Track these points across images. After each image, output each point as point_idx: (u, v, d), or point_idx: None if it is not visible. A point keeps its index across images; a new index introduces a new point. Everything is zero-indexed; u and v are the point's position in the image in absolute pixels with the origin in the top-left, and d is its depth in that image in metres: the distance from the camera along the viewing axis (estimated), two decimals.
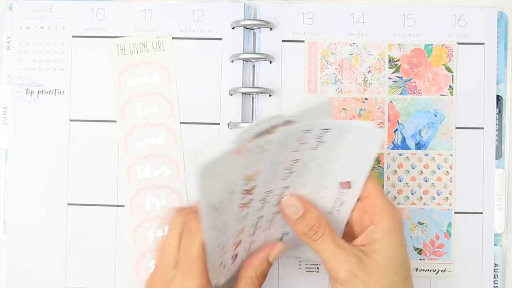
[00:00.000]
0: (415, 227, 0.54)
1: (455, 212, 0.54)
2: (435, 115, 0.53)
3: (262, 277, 0.48)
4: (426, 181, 0.54)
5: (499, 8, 0.54)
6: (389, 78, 0.54)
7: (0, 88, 0.55)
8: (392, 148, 0.54)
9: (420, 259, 0.54)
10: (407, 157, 0.54)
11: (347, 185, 0.45)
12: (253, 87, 0.53)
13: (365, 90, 0.54)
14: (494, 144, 0.54)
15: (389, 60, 0.54)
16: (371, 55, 0.54)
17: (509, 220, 0.54)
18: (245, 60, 0.53)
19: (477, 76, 0.54)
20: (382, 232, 0.44)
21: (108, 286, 0.54)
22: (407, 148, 0.54)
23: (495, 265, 0.54)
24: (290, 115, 0.41)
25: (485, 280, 0.53)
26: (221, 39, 0.54)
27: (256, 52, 0.54)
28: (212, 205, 0.40)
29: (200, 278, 0.43)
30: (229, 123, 0.53)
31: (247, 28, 0.54)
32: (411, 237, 0.54)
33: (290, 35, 0.54)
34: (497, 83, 0.54)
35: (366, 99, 0.54)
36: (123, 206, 0.54)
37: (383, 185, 0.53)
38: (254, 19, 0.54)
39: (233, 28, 0.54)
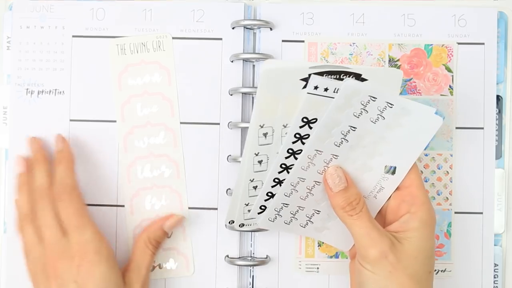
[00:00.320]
0: None
1: (455, 212, 0.54)
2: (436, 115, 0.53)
3: (156, 243, 0.51)
4: (426, 181, 0.54)
5: (499, 8, 0.54)
6: None
7: (0, 88, 0.55)
8: None
9: None
10: None
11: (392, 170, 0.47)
12: (253, 87, 0.53)
13: None
14: (494, 144, 0.54)
15: (389, 60, 0.54)
16: (371, 55, 0.54)
17: (509, 220, 0.54)
18: (245, 60, 0.53)
19: (477, 76, 0.54)
20: (417, 222, 0.45)
21: None
22: None
23: (495, 265, 0.54)
24: (361, 70, 0.43)
25: (485, 280, 0.53)
26: (221, 39, 0.54)
27: (256, 52, 0.54)
28: (262, 124, 0.42)
29: (92, 226, 0.48)
30: (229, 123, 0.53)
31: (247, 28, 0.54)
32: None
33: (290, 35, 0.54)
34: (497, 83, 0.54)
35: None
36: (123, 206, 0.54)
37: None
38: (254, 19, 0.54)
39: (233, 28, 0.54)
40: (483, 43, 0.54)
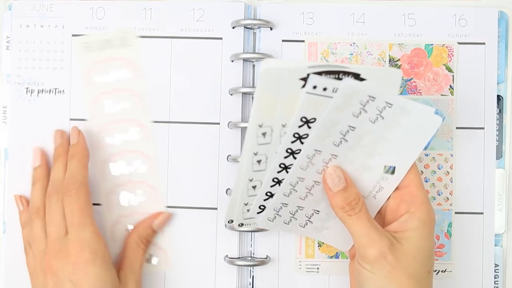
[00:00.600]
0: None
1: (456, 213, 0.53)
2: (436, 115, 0.53)
3: (147, 241, 0.52)
4: (426, 181, 0.53)
5: (499, 8, 0.54)
6: None
7: (0, 88, 0.55)
8: None
9: None
10: None
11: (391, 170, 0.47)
12: (253, 87, 0.53)
13: None
14: (494, 144, 0.53)
15: (390, 60, 0.54)
16: (372, 55, 0.54)
17: (509, 220, 0.54)
18: (245, 60, 0.53)
19: (478, 76, 0.53)
20: (417, 221, 0.45)
21: None
22: None
23: (496, 265, 0.53)
24: (360, 70, 0.43)
25: (485, 281, 0.53)
26: (221, 38, 0.54)
27: (256, 52, 0.54)
28: (261, 124, 0.42)
29: (92, 225, 0.48)
30: (229, 123, 0.53)
31: (247, 28, 0.54)
32: None
33: (290, 35, 0.54)
34: (497, 83, 0.54)
35: None
36: (100, 204, 0.54)
37: None
38: (254, 19, 0.54)
39: (233, 28, 0.54)
40: (483, 43, 0.53)
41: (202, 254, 0.53)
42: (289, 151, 0.45)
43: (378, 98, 0.43)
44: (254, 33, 0.54)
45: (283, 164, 0.46)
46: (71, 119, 0.54)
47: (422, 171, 0.53)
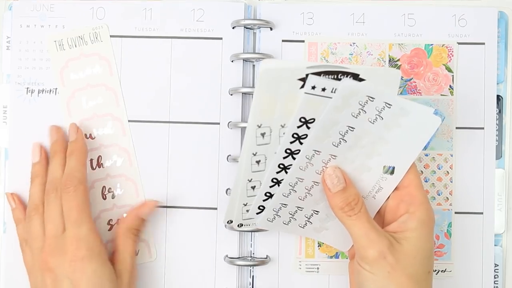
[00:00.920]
0: None
1: (456, 212, 0.54)
2: (436, 115, 0.53)
3: (136, 231, 0.52)
4: (426, 181, 0.54)
5: (499, 8, 0.54)
6: None
7: (0, 87, 0.55)
8: None
9: None
10: None
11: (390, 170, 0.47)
12: (253, 87, 0.53)
13: None
14: (494, 144, 0.54)
15: (390, 60, 0.54)
16: (371, 55, 0.54)
17: (509, 220, 0.54)
18: (245, 60, 0.53)
19: (478, 76, 0.53)
20: (416, 222, 0.45)
21: None
22: None
23: (496, 265, 0.53)
24: (359, 70, 0.43)
25: (485, 281, 0.53)
26: (221, 38, 0.54)
27: (256, 52, 0.54)
28: (260, 124, 0.42)
29: (89, 222, 0.48)
30: (229, 123, 0.53)
31: (247, 28, 0.54)
32: None
33: (290, 35, 0.54)
34: (497, 83, 0.54)
35: None
36: None
37: None
38: (254, 19, 0.54)
39: (233, 28, 0.54)
40: (483, 43, 0.54)
41: (202, 254, 0.53)
42: (288, 151, 0.45)
43: (377, 99, 0.43)
44: (254, 33, 0.54)
45: (282, 164, 0.46)
46: None
47: (422, 171, 0.53)
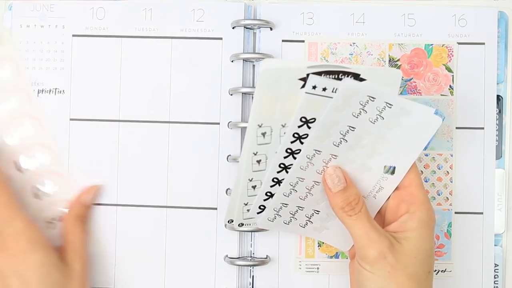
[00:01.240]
0: None
1: (456, 212, 0.54)
2: (436, 115, 0.53)
3: (84, 218, 0.52)
4: (426, 181, 0.54)
5: (499, 8, 0.54)
6: None
7: None
8: None
9: None
10: None
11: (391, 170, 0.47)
12: (253, 87, 0.53)
13: None
14: (494, 144, 0.54)
15: (390, 60, 0.54)
16: (371, 55, 0.54)
17: (509, 220, 0.54)
18: (245, 60, 0.53)
19: (477, 76, 0.53)
20: (416, 222, 0.45)
21: None
22: None
23: (496, 265, 0.53)
24: (360, 70, 0.43)
25: (485, 281, 0.53)
26: (221, 38, 0.54)
27: (256, 52, 0.54)
28: (261, 124, 0.42)
29: (22, 217, 0.48)
30: (229, 123, 0.53)
31: (247, 28, 0.54)
32: None
33: (290, 35, 0.54)
34: (497, 83, 0.54)
35: None
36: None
37: None
38: (254, 19, 0.54)
39: (233, 28, 0.54)
40: (483, 43, 0.54)
41: (202, 254, 0.53)
42: (289, 151, 0.45)
43: (378, 98, 0.43)
44: (254, 33, 0.54)
45: (283, 164, 0.46)
46: (71, 119, 0.54)
47: (422, 171, 0.53)
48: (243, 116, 0.54)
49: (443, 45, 0.54)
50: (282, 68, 0.42)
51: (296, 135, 0.44)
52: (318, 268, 0.54)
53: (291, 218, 0.49)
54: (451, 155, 0.54)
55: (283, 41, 0.54)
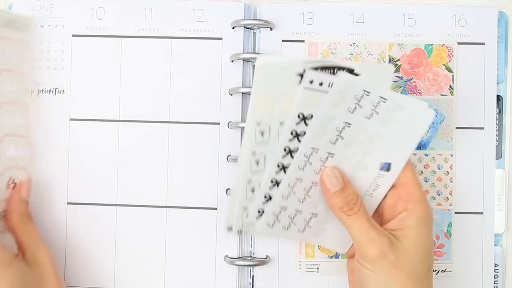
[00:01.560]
0: None
1: (456, 212, 0.54)
2: (435, 115, 0.53)
3: (28, 215, 0.51)
4: (426, 181, 0.54)
5: (499, 8, 0.54)
6: None
7: None
8: None
9: None
10: None
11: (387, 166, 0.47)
12: None
13: None
14: (494, 144, 0.54)
15: (390, 60, 0.54)
16: (371, 55, 0.54)
17: (509, 220, 0.54)
18: (245, 60, 0.53)
19: (477, 76, 0.53)
20: (414, 219, 0.45)
21: None
22: None
23: (496, 265, 0.53)
24: (354, 66, 0.44)
25: (485, 281, 0.53)
26: (221, 38, 0.54)
27: (256, 52, 0.54)
28: (259, 122, 0.42)
29: None
30: (229, 123, 0.53)
31: (247, 28, 0.54)
32: None
33: (290, 35, 0.54)
34: (497, 83, 0.54)
35: None
36: None
37: None
38: (254, 19, 0.54)
39: (233, 28, 0.54)
40: (483, 43, 0.54)
41: (202, 254, 0.53)
42: (287, 149, 0.45)
43: (373, 93, 0.43)
44: (254, 33, 0.54)
45: (281, 163, 0.46)
46: (71, 119, 0.54)
47: (422, 171, 0.53)
48: (243, 116, 0.54)
49: (443, 45, 0.54)
50: (277, 64, 0.42)
51: (294, 133, 0.44)
52: (318, 268, 0.54)
53: (290, 223, 0.49)
54: (451, 155, 0.54)
55: (283, 41, 0.54)
